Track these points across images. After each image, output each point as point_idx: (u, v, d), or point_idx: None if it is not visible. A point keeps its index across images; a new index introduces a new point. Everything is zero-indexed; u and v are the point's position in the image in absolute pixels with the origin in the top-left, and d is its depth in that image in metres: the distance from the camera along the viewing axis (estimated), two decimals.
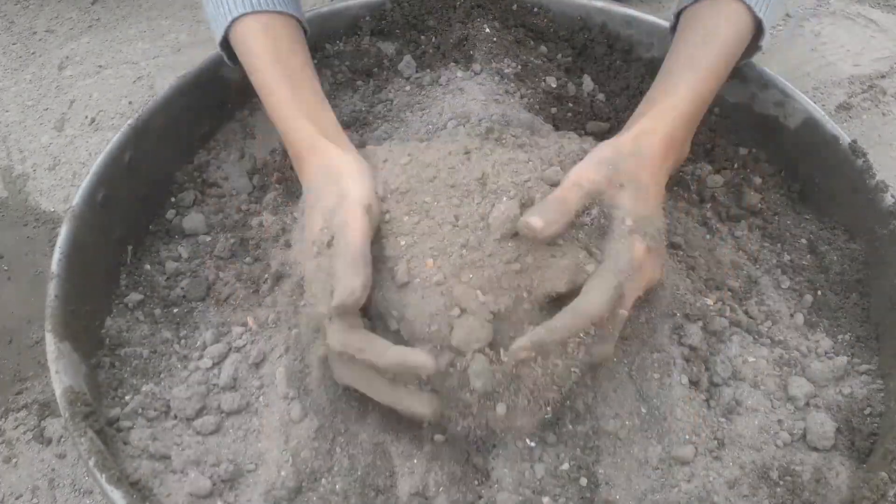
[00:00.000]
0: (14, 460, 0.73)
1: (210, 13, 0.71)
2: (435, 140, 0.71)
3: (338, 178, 0.60)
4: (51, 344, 0.59)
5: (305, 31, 0.74)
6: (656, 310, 0.62)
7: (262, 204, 0.75)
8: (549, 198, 0.56)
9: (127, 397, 0.61)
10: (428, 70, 0.82)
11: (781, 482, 0.57)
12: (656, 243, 0.58)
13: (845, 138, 0.72)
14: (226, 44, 0.72)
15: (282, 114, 0.66)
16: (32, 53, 1.15)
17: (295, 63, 0.69)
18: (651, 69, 0.83)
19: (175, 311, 0.68)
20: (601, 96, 0.83)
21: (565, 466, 0.57)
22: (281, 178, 0.76)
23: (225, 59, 0.74)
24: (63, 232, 0.65)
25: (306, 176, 0.64)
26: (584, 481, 0.56)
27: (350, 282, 0.53)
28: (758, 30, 0.68)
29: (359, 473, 0.56)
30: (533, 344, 0.51)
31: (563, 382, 0.55)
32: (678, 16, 0.71)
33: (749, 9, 0.66)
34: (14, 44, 1.16)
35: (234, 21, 0.69)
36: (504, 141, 0.65)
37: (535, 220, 0.54)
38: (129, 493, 0.51)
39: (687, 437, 0.59)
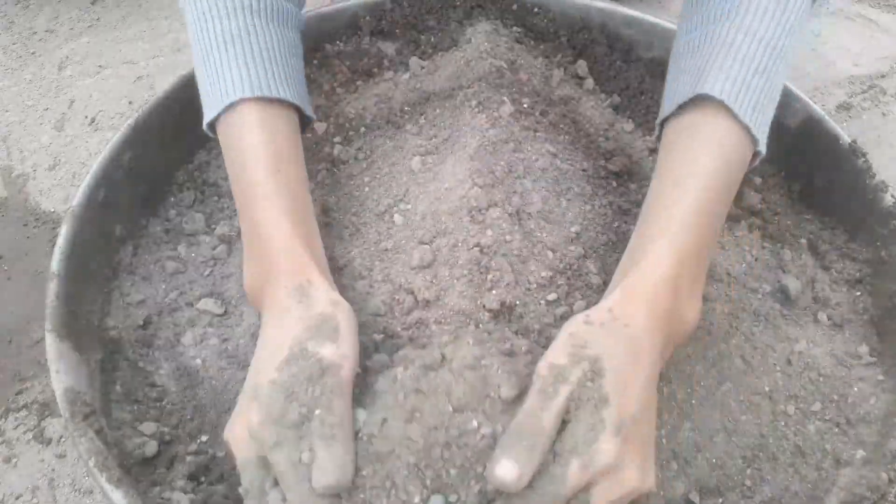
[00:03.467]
0: (14, 460, 0.73)
1: (203, 88, 0.61)
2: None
3: (328, 320, 0.50)
4: (51, 344, 0.59)
5: (308, 120, 0.64)
6: None
7: None
8: (516, 424, 0.44)
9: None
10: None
11: None
12: (639, 443, 0.46)
13: (845, 138, 0.72)
14: (213, 126, 0.61)
15: (270, 227, 0.55)
16: (32, 53, 1.15)
17: (294, 174, 0.58)
18: (651, 69, 0.84)
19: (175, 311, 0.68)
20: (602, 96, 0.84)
21: None
22: None
23: (211, 135, 0.62)
24: (63, 232, 0.65)
25: (279, 299, 0.53)
26: None
27: (343, 459, 0.45)
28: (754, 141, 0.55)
29: None
30: None
31: None
32: (662, 126, 0.60)
33: (740, 123, 0.53)
34: (14, 44, 1.16)
35: (230, 105, 0.58)
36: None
37: (507, 470, 0.43)
38: (129, 494, 0.51)
39: None
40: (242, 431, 0.49)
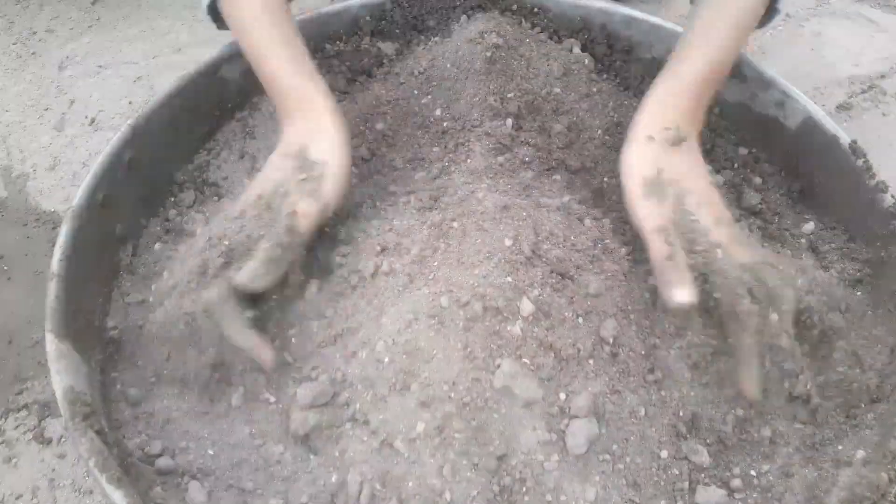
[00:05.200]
0: (14, 460, 0.73)
1: None
2: None
3: (319, 134, 0.64)
4: (51, 344, 0.59)
5: None
6: None
7: None
8: (658, 264, 0.58)
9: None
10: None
11: None
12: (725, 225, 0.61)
13: (845, 138, 0.72)
14: (212, 8, 0.72)
15: (279, 72, 0.67)
16: (33, 53, 1.15)
17: (288, 28, 0.70)
18: (651, 69, 0.83)
19: None
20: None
21: None
22: None
23: (211, 21, 0.74)
24: (63, 232, 0.65)
25: (292, 129, 0.66)
26: None
27: (263, 270, 0.57)
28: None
29: None
30: None
31: None
32: None
33: None
34: (14, 44, 1.16)
35: None
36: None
37: (684, 294, 0.55)
38: (129, 493, 0.51)
39: None
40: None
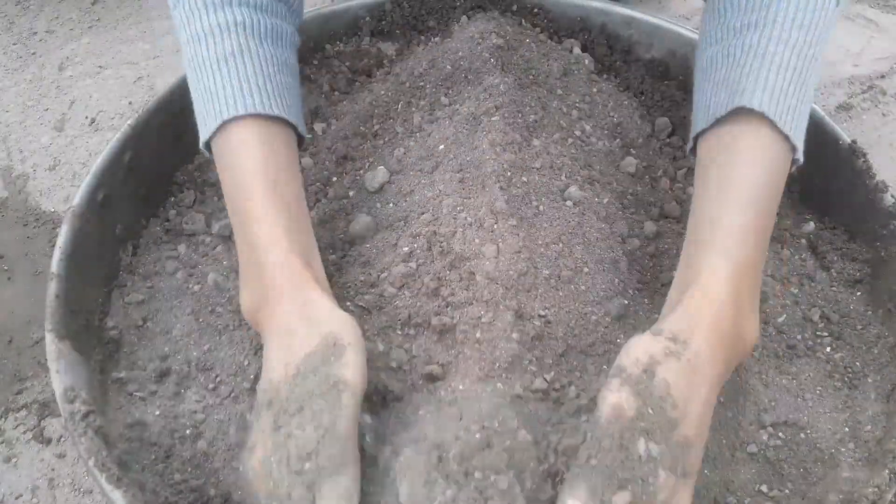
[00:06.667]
0: (14, 460, 0.73)
1: (198, 109, 0.59)
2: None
3: (331, 337, 0.50)
4: (51, 344, 0.59)
5: (301, 138, 0.63)
6: None
7: None
8: (581, 462, 0.46)
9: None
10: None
11: None
12: (689, 478, 0.47)
13: (845, 138, 0.72)
14: (209, 144, 0.60)
15: (268, 245, 0.54)
16: (33, 54, 1.15)
17: (291, 193, 0.58)
18: (651, 69, 0.84)
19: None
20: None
21: None
22: None
23: (207, 155, 0.61)
24: (63, 232, 0.65)
25: (280, 316, 0.53)
26: None
27: (346, 482, 0.46)
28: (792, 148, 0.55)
29: None
30: None
31: None
32: (696, 139, 0.59)
33: (780, 133, 0.53)
34: (14, 44, 1.16)
35: (225, 122, 0.57)
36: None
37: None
38: (128, 493, 0.51)
39: None
40: (260, 465, 0.49)
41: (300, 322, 0.52)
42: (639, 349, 0.49)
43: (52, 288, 0.61)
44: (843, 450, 0.59)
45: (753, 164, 0.53)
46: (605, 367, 0.58)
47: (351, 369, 0.49)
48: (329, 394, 0.48)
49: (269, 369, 0.52)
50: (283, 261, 0.54)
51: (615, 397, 0.47)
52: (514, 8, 0.85)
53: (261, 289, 0.55)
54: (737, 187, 0.53)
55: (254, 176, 0.56)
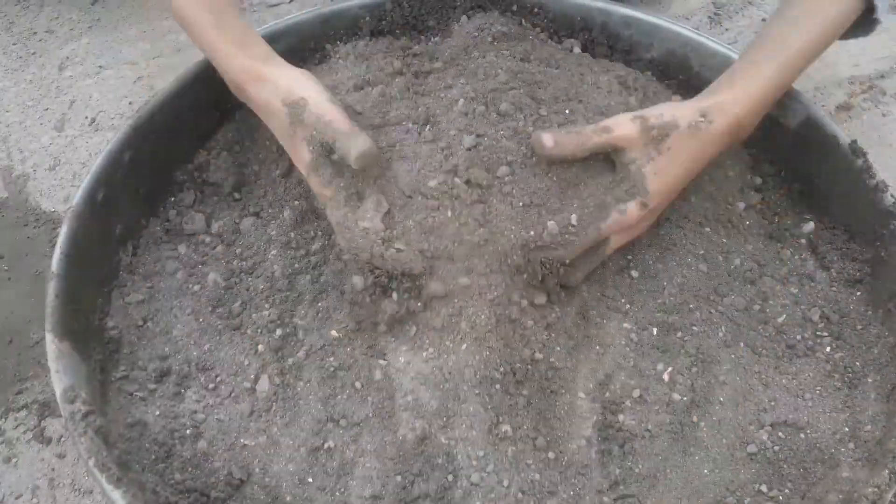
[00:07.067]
0: (14, 460, 0.73)
1: None
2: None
3: (291, 89, 0.64)
4: (51, 344, 0.59)
5: None
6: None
7: None
8: (572, 128, 0.62)
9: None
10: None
11: None
12: (655, 213, 0.63)
13: (845, 138, 0.72)
14: None
15: (214, 51, 0.68)
16: (33, 54, 1.15)
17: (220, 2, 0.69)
18: (651, 69, 0.84)
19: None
20: None
21: None
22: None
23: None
24: (63, 232, 0.65)
25: (257, 103, 0.67)
26: None
27: (358, 138, 0.60)
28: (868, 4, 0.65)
29: None
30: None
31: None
32: None
33: None
34: (14, 44, 1.16)
35: None
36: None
37: (547, 138, 0.60)
38: (128, 493, 0.51)
39: None
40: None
41: (269, 94, 0.66)
42: (669, 108, 0.63)
43: (52, 288, 0.61)
44: (842, 450, 0.59)
45: (818, 12, 0.64)
46: None
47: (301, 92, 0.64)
48: (297, 105, 0.63)
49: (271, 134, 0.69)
50: (230, 61, 0.68)
51: (627, 128, 0.61)
52: (514, 8, 0.85)
53: (230, 79, 0.69)
54: (807, 16, 0.64)
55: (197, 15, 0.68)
